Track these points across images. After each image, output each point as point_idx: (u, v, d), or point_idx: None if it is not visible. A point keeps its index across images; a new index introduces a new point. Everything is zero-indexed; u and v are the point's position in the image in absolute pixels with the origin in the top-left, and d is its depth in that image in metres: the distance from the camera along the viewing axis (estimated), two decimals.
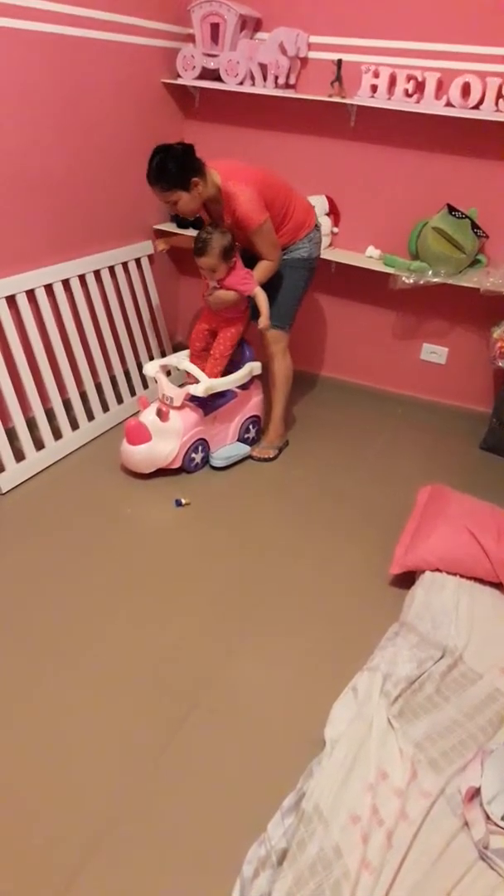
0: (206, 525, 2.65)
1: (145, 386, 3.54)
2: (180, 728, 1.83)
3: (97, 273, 3.24)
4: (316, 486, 2.97)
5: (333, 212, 3.54)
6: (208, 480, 2.93)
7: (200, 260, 2.75)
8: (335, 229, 3.57)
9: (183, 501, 2.74)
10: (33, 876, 1.48)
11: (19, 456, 2.79)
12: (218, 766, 1.75)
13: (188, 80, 3.43)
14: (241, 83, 3.34)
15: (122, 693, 1.92)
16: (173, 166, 2.61)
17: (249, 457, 3.12)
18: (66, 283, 3.03)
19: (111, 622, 2.15)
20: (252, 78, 3.33)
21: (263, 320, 2.84)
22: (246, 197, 2.68)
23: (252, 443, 3.19)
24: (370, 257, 3.49)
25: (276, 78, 3.27)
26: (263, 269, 2.85)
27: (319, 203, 3.46)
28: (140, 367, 3.49)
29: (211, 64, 3.36)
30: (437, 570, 2.31)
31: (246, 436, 3.17)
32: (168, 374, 2.98)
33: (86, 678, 1.95)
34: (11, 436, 2.78)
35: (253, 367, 3.04)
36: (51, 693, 1.90)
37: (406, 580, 2.38)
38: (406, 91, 3.09)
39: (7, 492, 2.70)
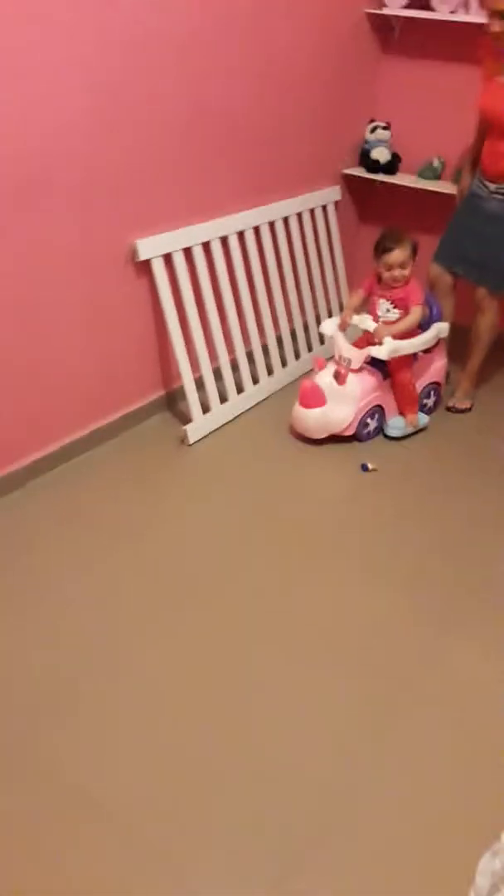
0: (390, 493, 2.50)
1: (322, 342, 3.39)
2: (394, 714, 1.72)
3: (286, 220, 3.09)
4: None
5: None
6: (385, 448, 2.75)
7: (392, 255, 2.59)
8: None
9: (370, 466, 2.60)
10: (246, 875, 1.41)
11: (205, 408, 2.74)
12: (436, 759, 1.63)
13: (394, 9, 3.15)
14: (452, 11, 3.03)
15: (327, 668, 1.83)
16: None
17: (447, 408, 3.00)
18: (256, 230, 2.91)
19: (304, 585, 2.07)
20: (466, 6, 3.01)
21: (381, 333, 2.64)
22: None
23: (431, 411, 2.97)
24: None
25: None
26: None
27: None
28: (318, 320, 3.33)
29: None
30: None
31: (425, 403, 2.94)
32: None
33: (283, 649, 1.88)
34: (198, 384, 2.73)
35: (440, 329, 2.80)
36: (248, 661, 1.84)
37: None
38: None
39: (193, 443, 2.66)
